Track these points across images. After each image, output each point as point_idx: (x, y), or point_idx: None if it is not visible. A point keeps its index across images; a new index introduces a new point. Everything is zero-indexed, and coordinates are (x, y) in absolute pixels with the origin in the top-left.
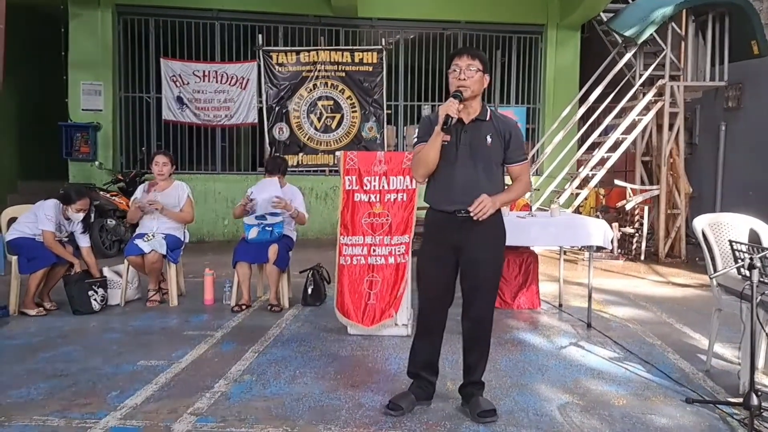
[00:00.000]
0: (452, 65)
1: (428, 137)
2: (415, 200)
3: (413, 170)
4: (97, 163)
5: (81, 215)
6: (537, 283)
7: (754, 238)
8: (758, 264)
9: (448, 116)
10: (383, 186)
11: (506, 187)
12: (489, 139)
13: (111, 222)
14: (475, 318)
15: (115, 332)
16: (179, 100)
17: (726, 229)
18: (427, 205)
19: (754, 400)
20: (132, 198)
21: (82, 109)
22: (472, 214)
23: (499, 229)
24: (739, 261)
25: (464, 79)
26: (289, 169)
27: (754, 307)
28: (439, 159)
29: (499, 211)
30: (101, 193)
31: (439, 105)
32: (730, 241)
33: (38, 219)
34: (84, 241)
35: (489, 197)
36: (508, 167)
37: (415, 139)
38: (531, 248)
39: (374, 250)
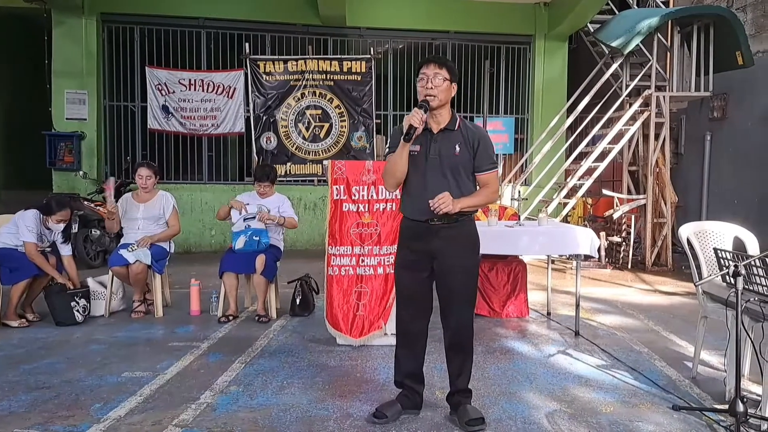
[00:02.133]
0: (421, 73)
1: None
2: None
3: (384, 180)
4: (81, 172)
5: (61, 226)
6: (525, 292)
7: (739, 246)
8: (743, 271)
9: (411, 126)
10: (372, 196)
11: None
12: (458, 148)
13: (95, 232)
14: (455, 326)
15: (99, 344)
16: (165, 108)
17: (711, 237)
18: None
19: (740, 407)
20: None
21: (66, 118)
22: (431, 207)
23: (473, 237)
24: (724, 269)
25: (431, 88)
26: (277, 178)
27: (739, 314)
28: (411, 169)
29: (472, 219)
30: (85, 202)
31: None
32: (715, 249)
33: (19, 230)
34: (65, 251)
35: (450, 197)
36: (477, 175)
37: (387, 149)
38: (519, 257)
39: (363, 261)
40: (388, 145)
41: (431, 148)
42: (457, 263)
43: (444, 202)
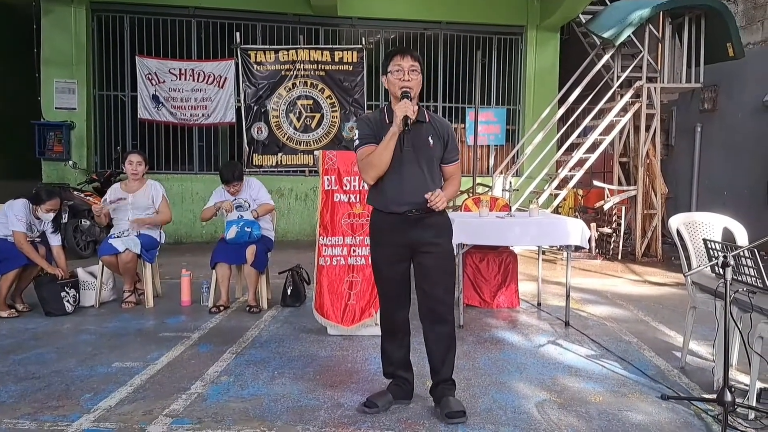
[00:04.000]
0: (394, 64)
1: (372, 138)
2: None
3: (363, 173)
4: (71, 162)
5: (51, 215)
6: (516, 283)
7: (728, 237)
8: (731, 262)
9: (407, 117)
10: (363, 186)
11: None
12: (431, 140)
13: (85, 222)
14: (437, 315)
15: (90, 334)
16: (155, 98)
17: (701, 228)
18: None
19: (728, 396)
20: (102, 199)
21: (56, 108)
22: (429, 204)
23: (448, 224)
24: (713, 259)
25: (409, 81)
26: (267, 169)
27: (727, 304)
28: None
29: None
30: (75, 193)
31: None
32: (705, 240)
33: (8, 220)
34: (55, 241)
35: (442, 193)
36: (443, 167)
37: (357, 141)
38: (510, 248)
39: (354, 251)
40: (357, 137)
41: (405, 141)
42: (436, 251)
43: (441, 199)
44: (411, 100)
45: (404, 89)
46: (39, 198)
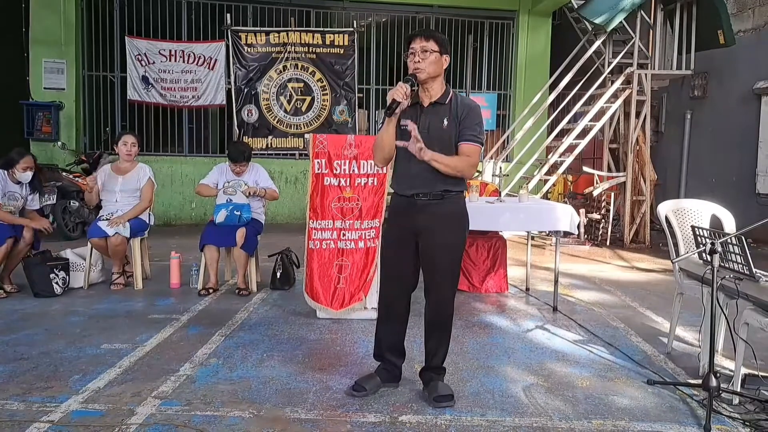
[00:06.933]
0: (410, 48)
1: None
2: (385, 185)
3: (373, 155)
4: (59, 143)
5: (29, 174)
6: (505, 268)
7: (716, 224)
8: (719, 249)
9: (394, 101)
10: (353, 170)
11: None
12: (445, 122)
13: (74, 204)
14: (434, 303)
15: (78, 315)
16: (145, 79)
17: (689, 215)
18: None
19: (713, 382)
20: (93, 173)
21: (45, 88)
22: (409, 129)
23: (460, 215)
24: (701, 246)
25: (419, 62)
26: (258, 152)
27: (714, 291)
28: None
29: (461, 196)
30: (64, 174)
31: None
32: (693, 227)
33: None
34: (34, 204)
35: (428, 150)
36: (458, 146)
37: (381, 125)
38: (500, 233)
39: (344, 235)
40: (382, 120)
41: (420, 122)
42: (439, 241)
43: (422, 147)
44: (414, 84)
45: (412, 72)
46: (11, 161)
